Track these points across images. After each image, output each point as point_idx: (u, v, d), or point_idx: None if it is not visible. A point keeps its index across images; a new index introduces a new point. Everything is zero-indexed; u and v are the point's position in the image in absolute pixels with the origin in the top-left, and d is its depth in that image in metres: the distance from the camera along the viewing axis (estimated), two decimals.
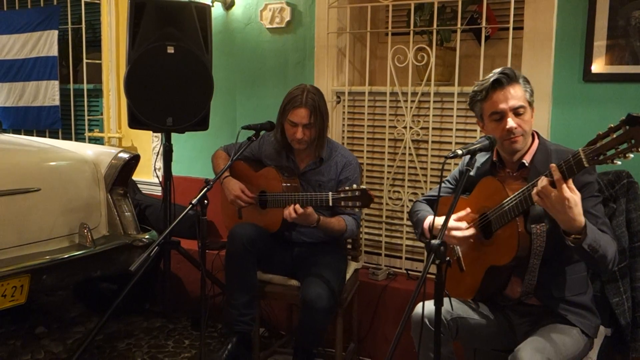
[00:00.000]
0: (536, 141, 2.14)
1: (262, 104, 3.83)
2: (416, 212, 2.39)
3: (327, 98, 3.51)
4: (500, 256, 2.03)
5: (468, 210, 2.17)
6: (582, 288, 2.10)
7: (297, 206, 2.58)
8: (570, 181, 1.78)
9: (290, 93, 2.81)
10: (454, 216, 2.15)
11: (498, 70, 2.10)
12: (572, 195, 1.78)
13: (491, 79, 2.08)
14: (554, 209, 1.80)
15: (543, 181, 1.82)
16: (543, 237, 1.99)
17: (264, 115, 3.47)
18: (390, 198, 3.43)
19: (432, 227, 2.21)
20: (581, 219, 1.81)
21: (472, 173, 2.23)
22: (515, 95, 2.07)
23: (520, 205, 1.93)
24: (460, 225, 2.13)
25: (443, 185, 2.41)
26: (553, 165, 1.79)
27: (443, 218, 2.10)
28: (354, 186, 2.49)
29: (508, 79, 2.07)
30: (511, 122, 2.06)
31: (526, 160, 2.11)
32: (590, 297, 2.12)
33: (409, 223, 3.40)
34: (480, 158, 2.26)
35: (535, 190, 1.84)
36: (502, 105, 2.07)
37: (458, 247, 2.26)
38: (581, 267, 2.08)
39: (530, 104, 2.10)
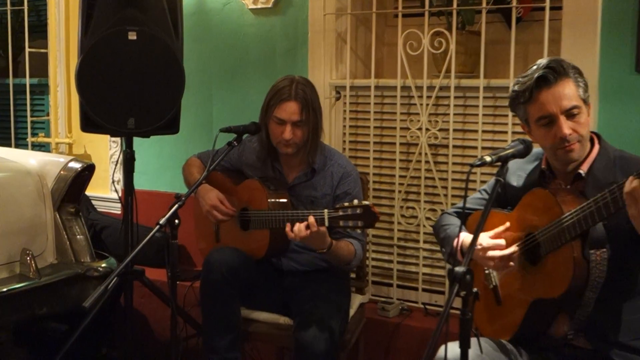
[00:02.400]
0: (596, 146, 2.12)
1: (244, 102, 3.83)
2: (444, 226, 2.37)
3: (324, 94, 3.52)
4: (549, 287, 2.01)
5: (508, 225, 2.16)
6: None
7: (312, 219, 2.52)
8: None
9: (275, 85, 2.82)
10: (488, 233, 2.15)
11: (543, 62, 2.07)
12: None
13: (535, 76, 2.06)
14: None
15: (633, 182, 1.77)
16: (604, 265, 1.95)
17: (246, 115, 3.45)
18: (403, 216, 3.42)
19: (461, 247, 2.20)
20: None
21: (515, 183, 2.23)
22: (566, 93, 2.04)
23: (580, 225, 1.91)
24: (498, 243, 2.11)
25: (478, 196, 2.40)
26: None
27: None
28: (355, 202, 2.49)
29: (555, 74, 2.05)
30: (564, 127, 2.05)
31: (583, 170, 2.08)
32: None
33: (427, 247, 3.39)
34: (527, 165, 2.26)
35: (625, 190, 1.80)
36: (551, 108, 2.05)
37: (495, 272, 2.25)
38: None
39: (585, 101, 2.08)
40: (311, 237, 2.54)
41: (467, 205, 2.35)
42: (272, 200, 2.81)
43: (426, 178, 3.35)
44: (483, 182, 3.14)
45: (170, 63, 3.12)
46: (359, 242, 2.82)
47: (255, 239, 2.83)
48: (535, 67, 2.09)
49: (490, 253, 2.11)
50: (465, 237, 2.19)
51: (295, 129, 2.77)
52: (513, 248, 2.12)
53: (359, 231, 2.61)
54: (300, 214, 2.61)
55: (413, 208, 3.41)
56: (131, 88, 3.09)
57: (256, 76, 3.80)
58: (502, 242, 2.12)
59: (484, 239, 2.13)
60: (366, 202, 2.47)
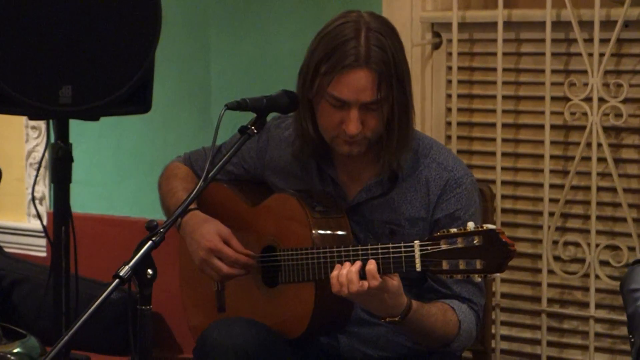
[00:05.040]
0: None
1: (267, 56, 3.88)
2: (636, 292, 2.36)
3: (411, 38, 3.53)
4: None
5: None
6: None
7: (373, 266, 2.52)
8: None
9: (328, 34, 2.78)
10: None
11: None
12: None
13: None
14: None
15: None
16: None
17: (271, 80, 3.49)
18: (557, 259, 3.43)
19: None
20: None
21: None
22: None
23: None
24: None
25: None
26: None
27: None
28: (470, 226, 2.48)
29: None
30: None
31: None
32: None
33: (602, 314, 3.38)
34: None
35: None
36: None
37: None
38: None
39: None
40: (368, 293, 2.55)
41: None
42: (320, 231, 2.82)
43: (600, 190, 3.35)
44: None
45: None
46: (471, 307, 2.82)
47: (290, 303, 2.86)
48: None
49: None
50: None
51: (367, 116, 2.74)
52: None
53: (479, 280, 2.56)
54: (370, 249, 2.60)
55: (577, 245, 3.40)
56: (67, 35, 3.13)
57: (288, 10, 3.85)
58: None
59: None
60: (490, 226, 2.47)
